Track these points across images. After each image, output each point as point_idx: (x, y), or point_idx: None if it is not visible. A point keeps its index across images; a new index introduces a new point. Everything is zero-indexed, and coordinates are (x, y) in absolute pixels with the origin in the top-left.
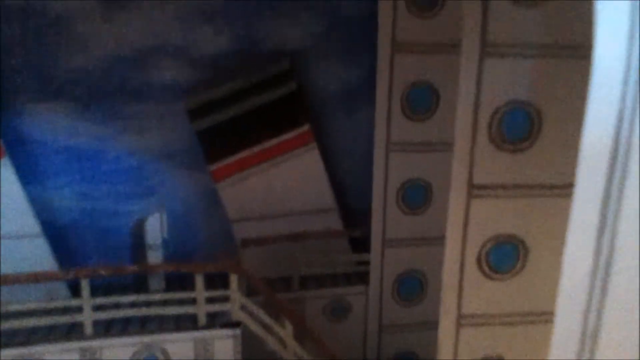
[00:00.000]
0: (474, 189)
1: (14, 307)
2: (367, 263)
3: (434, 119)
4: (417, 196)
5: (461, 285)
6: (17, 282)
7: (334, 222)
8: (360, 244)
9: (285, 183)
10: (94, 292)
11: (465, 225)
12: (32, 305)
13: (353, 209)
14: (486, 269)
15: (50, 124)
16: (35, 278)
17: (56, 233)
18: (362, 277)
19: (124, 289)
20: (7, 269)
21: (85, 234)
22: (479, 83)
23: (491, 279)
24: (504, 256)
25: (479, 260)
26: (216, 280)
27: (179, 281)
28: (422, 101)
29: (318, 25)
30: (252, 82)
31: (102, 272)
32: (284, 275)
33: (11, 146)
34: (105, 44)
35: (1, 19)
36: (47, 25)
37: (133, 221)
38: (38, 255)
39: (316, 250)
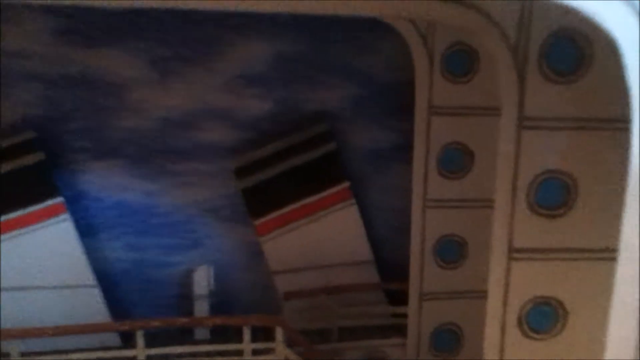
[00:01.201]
0: (514, 252)
1: (76, 357)
2: (403, 315)
3: (469, 178)
4: (453, 251)
5: (502, 345)
6: (77, 333)
7: (371, 274)
8: (396, 297)
9: (325, 237)
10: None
11: (506, 286)
12: (92, 356)
13: (389, 262)
14: (526, 329)
15: (105, 181)
16: (94, 329)
17: (107, 283)
18: (398, 329)
19: (170, 338)
20: (63, 317)
21: (135, 284)
22: (517, 153)
23: (531, 339)
24: (544, 317)
25: (519, 321)
26: (257, 331)
27: (223, 332)
28: (457, 160)
29: (356, 90)
30: (294, 143)
31: (156, 324)
32: (322, 326)
33: (70, 202)
34: (157, 107)
35: (64, 85)
36: (104, 91)
37: (180, 273)
38: (92, 304)
39: (353, 302)
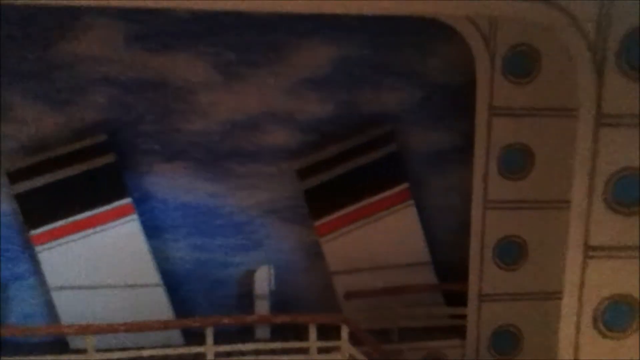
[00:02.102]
0: (590, 250)
1: (147, 353)
2: (460, 317)
3: (530, 178)
4: (513, 252)
5: (577, 344)
6: (150, 330)
7: (429, 275)
8: (452, 298)
9: (384, 238)
10: (199, 339)
11: (582, 284)
12: (162, 352)
13: (445, 263)
14: (602, 328)
15: (171, 183)
16: (167, 325)
17: (170, 282)
18: (456, 331)
19: (229, 336)
20: (128, 316)
21: (197, 283)
22: (594, 150)
23: (607, 337)
24: (620, 315)
25: (595, 319)
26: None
27: (282, 331)
28: (518, 161)
29: (416, 92)
30: (355, 144)
31: (225, 321)
32: (381, 326)
33: (137, 203)
34: (223, 110)
35: (135, 89)
36: (174, 95)
37: (241, 273)
38: (157, 303)
39: (411, 303)
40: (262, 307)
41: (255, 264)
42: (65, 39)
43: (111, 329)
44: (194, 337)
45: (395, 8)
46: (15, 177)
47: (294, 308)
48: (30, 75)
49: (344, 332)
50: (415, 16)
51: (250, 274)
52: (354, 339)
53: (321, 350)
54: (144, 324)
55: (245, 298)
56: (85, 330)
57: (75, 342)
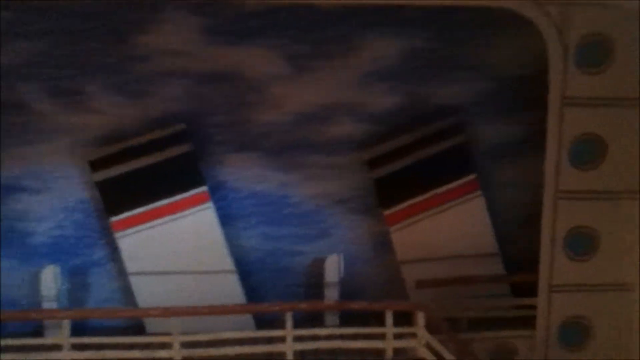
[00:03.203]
0: None
1: (228, 335)
2: (529, 307)
3: (602, 169)
4: (584, 243)
5: None
6: (233, 313)
7: (496, 266)
8: (518, 289)
9: (452, 228)
10: (270, 325)
11: None
12: (244, 335)
13: (512, 254)
14: None
15: (243, 172)
16: (249, 310)
17: (241, 269)
18: (524, 321)
19: (297, 324)
20: (202, 301)
21: (266, 271)
22: None
23: None
24: None
25: None
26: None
27: (349, 318)
28: (590, 152)
29: (483, 84)
30: (424, 135)
31: (303, 307)
32: (450, 316)
33: (211, 191)
34: (293, 102)
35: (209, 81)
36: (246, 87)
37: (309, 261)
38: (230, 289)
39: (479, 293)
40: (332, 295)
41: (323, 253)
42: (143, 32)
43: (194, 311)
44: (262, 323)
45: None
46: (96, 165)
47: (360, 296)
48: (109, 67)
49: (420, 319)
50: (483, 7)
51: (317, 263)
52: (429, 327)
53: (397, 336)
54: (225, 307)
55: (312, 286)
56: (170, 312)
57: (152, 325)
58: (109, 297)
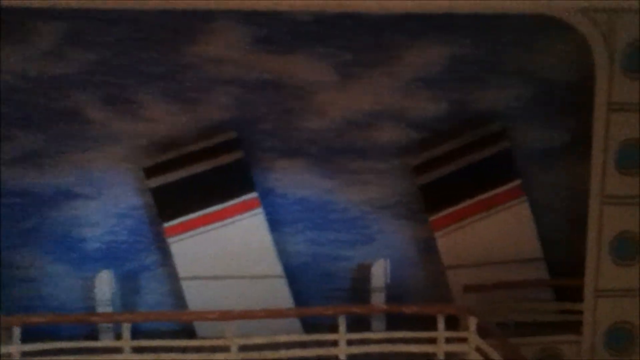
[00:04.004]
0: None
1: (283, 339)
2: (574, 312)
3: None
4: (630, 248)
5: None
6: (287, 317)
7: (541, 271)
8: (563, 294)
9: (497, 233)
10: (315, 329)
11: None
12: (297, 338)
13: (555, 259)
14: None
15: (289, 178)
16: (302, 313)
17: (288, 274)
18: (569, 326)
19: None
20: (251, 305)
21: (312, 276)
22: None
23: None
24: None
25: None
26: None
27: (395, 322)
28: (636, 157)
29: (526, 90)
30: (469, 141)
31: (356, 310)
32: (496, 321)
33: (260, 197)
34: (338, 109)
35: (256, 89)
36: (292, 94)
37: (354, 267)
38: (279, 294)
39: (523, 297)
40: (378, 300)
41: (367, 258)
42: (195, 42)
43: (251, 314)
44: (307, 327)
45: (508, 6)
46: (150, 172)
47: (406, 301)
48: (160, 76)
49: (472, 324)
50: (526, 13)
51: (362, 268)
52: (480, 332)
53: (448, 340)
54: (280, 310)
55: (357, 291)
56: (227, 316)
57: (202, 329)
58: (159, 301)
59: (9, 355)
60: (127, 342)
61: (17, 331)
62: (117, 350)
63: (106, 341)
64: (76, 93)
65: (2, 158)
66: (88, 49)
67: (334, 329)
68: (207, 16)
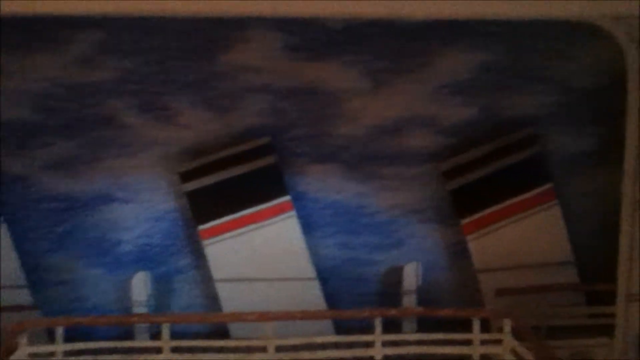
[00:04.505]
0: None
1: (320, 339)
2: (605, 316)
3: None
4: None
5: None
6: (326, 318)
7: (571, 275)
8: (593, 298)
9: (528, 237)
10: (347, 332)
11: None
12: (332, 339)
13: (586, 263)
14: None
15: (321, 183)
16: (338, 315)
17: (319, 277)
18: (600, 330)
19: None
20: (283, 307)
21: (342, 279)
22: None
23: None
24: None
25: None
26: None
27: (424, 324)
28: None
29: (556, 96)
30: (499, 146)
31: (392, 313)
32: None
33: (292, 201)
34: (369, 115)
35: (289, 96)
36: (324, 101)
37: (384, 269)
38: (312, 296)
39: (555, 301)
40: (409, 302)
41: (398, 262)
42: (229, 49)
43: (289, 316)
44: (338, 329)
45: (541, 13)
46: (186, 176)
47: (437, 304)
48: (194, 83)
49: (507, 326)
50: (557, 20)
51: (392, 272)
52: (515, 334)
53: (483, 342)
54: (317, 312)
55: (386, 295)
56: (265, 317)
57: (236, 330)
58: (192, 302)
59: (53, 354)
60: (167, 343)
61: (60, 331)
62: (157, 351)
63: (147, 341)
64: (112, 100)
65: (41, 164)
66: (123, 57)
67: (364, 330)
68: (240, 24)
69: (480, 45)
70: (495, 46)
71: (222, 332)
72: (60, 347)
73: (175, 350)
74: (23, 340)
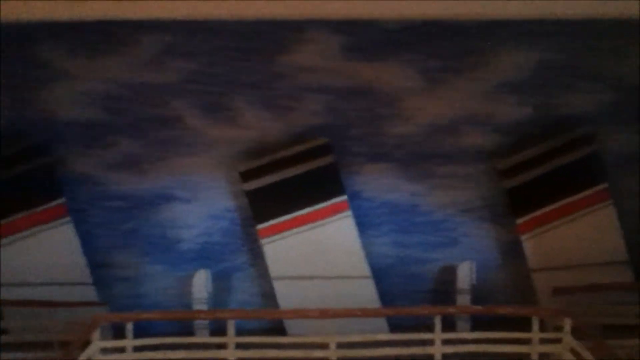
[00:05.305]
0: None
1: (380, 337)
2: None
3: None
4: None
5: None
6: (382, 316)
7: (626, 274)
8: None
9: (583, 236)
10: (399, 329)
11: None
12: (391, 337)
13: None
14: None
15: (376, 182)
16: (397, 312)
17: (373, 275)
18: None
19: (428, 328)
20: (338, 304)
21: (396, 277)
22: None
23: None
24: None
25: None
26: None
27: (477, 323)
28: None
29: (612, 95)
30: (556, 145)
31: (452, 311)
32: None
33: (348, 201)
34: (425, 114)
35: (346, 96)
36: (380, 101)
37: (438, 269)
38: (366, 294)
39: (609, 300)
40: (464, 301)
41: (452, 260)
42: (288, 51)
43: (349, 313)
44: (391, 327)
45: (598, 11)
46: (246, 176)
47: (491, 302)
48: (255, 84)
49: (567, 325)
50: (611, 18)
51: (446, 270)
52: (574, 333)
53: (543, 341)
54: (377, 310)
55: (440, 293)
56: (327, 314)
57: (292, 327)
58: (249, 300)
59: (123, 349)
60: (232, 339)
61: (130, 326)
62: (222, 346)
63: (213, 337)
64: (175, 101)
65: (107, 164)
66: (187, 59)
67: (417, 328)
68: (299, 27)
69: (536, 43)
70: (551, 45)
71: (277, 329)
72: (130, 342)
73: (239, 346)
74: (96, 335)
